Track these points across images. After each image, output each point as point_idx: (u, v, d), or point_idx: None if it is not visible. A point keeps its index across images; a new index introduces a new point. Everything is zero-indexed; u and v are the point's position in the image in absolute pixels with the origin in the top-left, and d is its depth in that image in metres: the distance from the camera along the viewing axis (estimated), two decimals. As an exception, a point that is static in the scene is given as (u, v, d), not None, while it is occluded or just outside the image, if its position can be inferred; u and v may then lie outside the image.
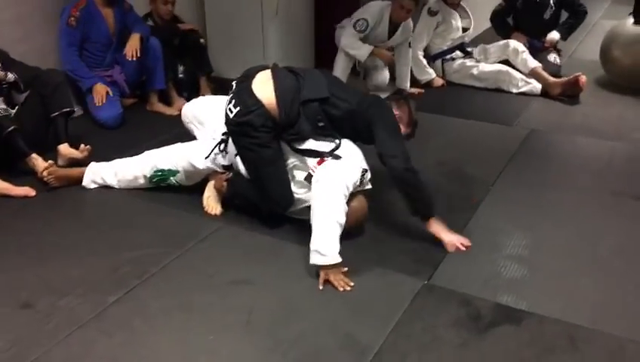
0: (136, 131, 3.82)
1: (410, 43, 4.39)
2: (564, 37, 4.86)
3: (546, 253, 2.56)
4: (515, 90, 4.54)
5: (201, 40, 4.38)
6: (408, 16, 4.14)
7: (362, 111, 2.61)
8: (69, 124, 3.37)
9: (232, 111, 2.57)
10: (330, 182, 2.41)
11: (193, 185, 2.94)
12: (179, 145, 2.99)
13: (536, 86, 4.48)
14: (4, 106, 3.04)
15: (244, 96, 2.56)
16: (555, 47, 4.82)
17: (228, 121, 2.61)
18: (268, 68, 2.68)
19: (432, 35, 4.70)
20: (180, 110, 4.05)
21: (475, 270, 2.44)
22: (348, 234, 2.48)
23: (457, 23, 4.70)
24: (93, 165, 3.04)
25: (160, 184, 2.96)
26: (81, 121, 3.88)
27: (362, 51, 4.20)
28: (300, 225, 2.62)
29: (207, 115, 3.08)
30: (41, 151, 3.12)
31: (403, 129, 2.68)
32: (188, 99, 4.17)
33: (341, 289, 2.30)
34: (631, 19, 4.55)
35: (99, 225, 2.76)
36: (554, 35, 4.80)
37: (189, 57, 4.32)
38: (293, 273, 2.41)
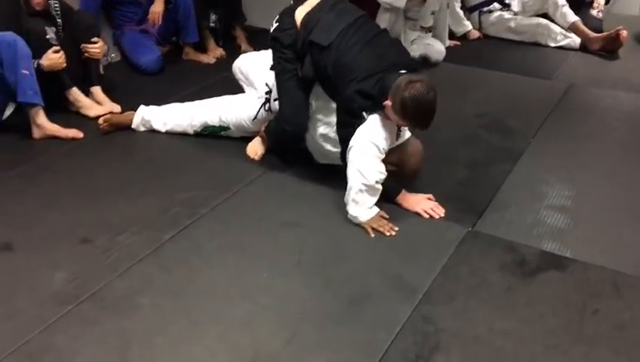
0: (174, 79, 3.85)
1: (448, 4, 4.28)
2: (608, 1, 4.76)
3: (588, 204, 2.58)
4: (553, 44, 4.48)
5: (234, -11, 4.36)
6: None
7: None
8: (102, 68, 3.42)
9: (272, 26, 2.65)
10: (360, 146, 2.36)
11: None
12: (229, 100, 3.02)
13: (575, 40, 4.42)
14: (53, 36, 3.07)
15: (285, 14, 2.62)
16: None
17: (269, 35, 2.68)
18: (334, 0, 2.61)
19: (470, -15, 4.63)
20: (217, 57, 4.14)
21: (519, 218, 2.48)
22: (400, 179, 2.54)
23: (496, -27, 4.62)
24: (142, 109, 3.08)
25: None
26: (120, 67, 3.91)
27: None
28: (338, 173, 2.63)
29: (254, 73, 3.06)
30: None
31: (393, 116, 2.33)
32: (223, 47, 4.23)
33: (387, 234, 2.36)
34: None
35: (148, 167, 2.82)
36: (600, 0, 4.70)
37: (221, 7, 4.30)
38: (339, 217, 2.46)
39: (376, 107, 2.37)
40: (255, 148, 2.88)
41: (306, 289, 2.09)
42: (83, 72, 3.30)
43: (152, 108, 3.09)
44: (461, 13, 4.63)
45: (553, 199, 2.61)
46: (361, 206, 2.38)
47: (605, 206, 2.58)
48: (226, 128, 2.96)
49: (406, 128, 2.56)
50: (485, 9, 4.69)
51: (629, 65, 4.20)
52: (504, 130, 3.22)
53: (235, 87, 3.27)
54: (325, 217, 2.47)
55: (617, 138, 3.18)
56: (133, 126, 3.07)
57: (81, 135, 3.02)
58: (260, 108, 2.85)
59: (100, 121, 3.04)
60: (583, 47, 4.40)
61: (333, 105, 2.53)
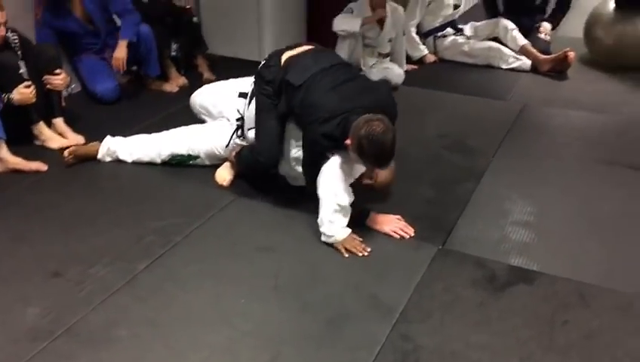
0: (136, 108, 3.83)
1: (404, 32, 4.42)
2: (554, 27, 4.99)
3: (550, 219, 2.69)
4: (505, 66, 4.65)
5: (194, 18, 4.39)
6: (383, 1, 4.09)
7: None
8: (63, 99, 3.39)
9: (262, 62, 2.78)
10: (331, 171, 2.43)
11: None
12: (198, 129, 3.04)
13: (525, 62, 4.60)
14: (25, 70, 3.04)
15: (275, 54, 2.75)
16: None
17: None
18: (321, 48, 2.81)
19: (425, 11, 4.77)
20: (180, 86, 4.15)
21: (486, 235, 2.56)
22: (366, 200, 2.59)
23: (448, 0, 4.79)
24: (108, 140, 3.06)
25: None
26: (81, 98, 3.88)
27: (353, 22, 4.16)
28: (312, 198, 2.69)
29: (221, 103, 3.08)
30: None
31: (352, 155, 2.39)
32: (186, 76, 4.24)
33: (360, 254, 2.40)
34: (612, 1, 4.68)
35: (116, 197, 2.80)
36: (547, 25, 4.92)
37: (182, 36, 4.31)
38: (313, 241, 2.49)
39: (339, 148, 2.43)
40: (223, 175, 2.89)
41: (284, 313, 2.10)
42: (45, 104, 3.25)
43: (118, 138, 3.07)
44: (417, 38, 4.78)
45: (517, 215, 2.70)
46: (336, 225, 2.42)
47: (566, 219, 2.69)
48: (195, 157, 2.96)
49: None
50: (439, 34, 4.85)
51: (577, 85, 4.40)
52: (465, 149, 3.33)
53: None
54: (298, 241, 2.50)
55: (571, 154, 3.32)
56: (98, 157, 3.04)
57: (44, 168, 2.97)
58: (233, 135, 2.88)
59: (65, 153, 3.00)
60: (534, 69, 4.59)
61: None
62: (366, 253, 2.41)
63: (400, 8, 4.28)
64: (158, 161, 3.00)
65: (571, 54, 4.47)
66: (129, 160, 3.03)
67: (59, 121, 3.28)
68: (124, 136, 3.12)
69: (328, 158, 2.45)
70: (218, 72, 4.32)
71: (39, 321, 2.00)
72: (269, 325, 2.04)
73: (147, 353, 1.89)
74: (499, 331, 2.03)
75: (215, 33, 4.67)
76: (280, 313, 2.10)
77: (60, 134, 3.25)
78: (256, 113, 2.71)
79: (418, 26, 4.82)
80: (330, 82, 2.51)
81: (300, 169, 2.65)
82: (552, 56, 4.57)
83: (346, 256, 2.39)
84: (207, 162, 2.97)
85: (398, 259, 2.39)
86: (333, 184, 2.41)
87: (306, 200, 2.71)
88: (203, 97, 3.22)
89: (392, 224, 2.56)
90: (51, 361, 1.85)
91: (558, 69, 4.53)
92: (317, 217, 2.47)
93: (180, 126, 3.14)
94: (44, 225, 2.55)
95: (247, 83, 3.06)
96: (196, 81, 4.21)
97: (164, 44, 4.13)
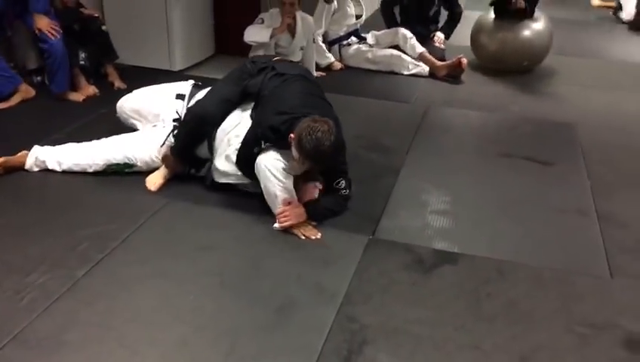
0: (45, 119, 3.71)
1: (314, 39, 4.62)
2: (447, 36, 5.39)
3: (464, 205, 2.95)
4: (405, 72, 4.96)
5: (104, 27, 4.31)
6: (292, 10, 4.26)
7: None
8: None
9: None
10: (267, 160, 2.57)
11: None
12: (133, 137, 3.03)
13: (424, 68, 4.94)
14: None
15: (269, 56, 3.15)
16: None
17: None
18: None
19: (329, 21, 4.99)
20: (89, 95, 4.06)
21: (410, 224, 2.77)
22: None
23: (351, 10, 5.04)
24: (36, 149, 2.97)
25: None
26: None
27: (262, 33, 4.30)
28: (241, 196, 2.83)
29: (157, 105, 3.10)
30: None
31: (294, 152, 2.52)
32: (95, 85, 4.16)
33: (313, 237, 2.58)
34: (492, 12, 5.15)
35: (45, 207, 2.73)
36: (440, 35, 5.30)
37: (91, 44, 4.23)
38: (251, 237, 2.58)
39: (278, 142, 2.57)
40: (154, 180, 2.90)
41: (234, 306, 2.17)
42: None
43: (47, 148, 2.99)
44: (324, 46, 4.99)
45: (435, 204, 2.94)
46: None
47: (478, 205, 2.96)
48: (131, 165, 2.94)
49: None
50: (344, 42, 5.08)
51: (470, 88, 4.79)
52: (381, 148, 3.55)
53: (114, 122, 3.29)
54: (237, 239, 2.58)
55: (474, 148, 3.64)
56: (26, 167, 2.94)
57: (-41, 181, 2.83)
58: (169, 135, 2.91)
59: None
60: (432, 74, 4.94)
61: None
62: (319, 236, 2.59)
63: (309, 17, 4.47)
64: (90, 170, 2.95)
65: (464, 60, 4.86)
66: (58, 169, 2.95)
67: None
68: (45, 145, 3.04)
69: (261, 148, 2.59)
70: (128, 81, 4.27)
71: (-18, 333, 1.94)
72: (221, 318, 2.10)
73: (103, 354, 1.90)
74: (432, 306, 2.22)
75: (122, 42, 4.59)
76: (230, 306, 2.17)
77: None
78: (220, 80, 2.89)
79: (324, 35, 5.03)
80: (304, 89, 2.77)
81: (230, 166, 2.73)
82: (448, 62, 4.94)
83: (302, 238, 2.56)
84: (144, 168, 2.96)
85: (334, 250, 2.54)
86: (272, 169, 2.55)
87: (237, 199, 2.80)
88: (134, 102, 3.21)
89: (301, 226, 2.62)
90: (2, 370, 1.81)
91: (453, 74, 4.91)
92: (252, 216, 2.57)
93: (96, 136, 3.11)
94: (-32, 238, 2.45)
95: (182, 86, 3.11)
96: (107, 90, 4.17)
97: (72, 53, 4.03)
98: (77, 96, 4.03)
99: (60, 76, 3.91)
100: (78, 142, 3.08)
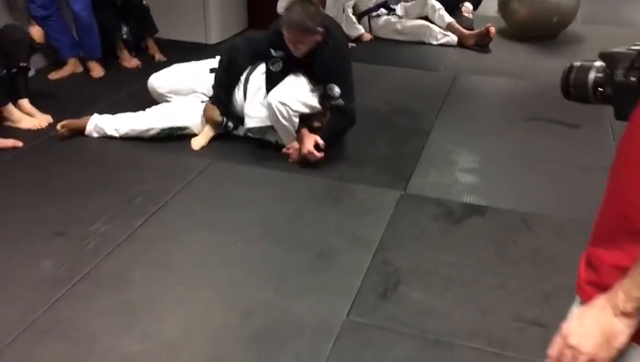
0: (96, 87, 3.95)
1: (344, 10, 4.78)
2: (476, 7, 5.47)
3: (491, 164, 3.10)
4: (434, 42, 5.07)
5: (144, 2, 4.50)
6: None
7: None
8: (28, 80, 3.46)
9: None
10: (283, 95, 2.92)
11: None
12: (180, 103, 3.24)
13: (453, 38, 5.04)
14: None
15: None
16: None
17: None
18: None
19: (359, -7, 5.13)
20: (133, 67, 4.28)
21: (440, 181, 2.93)
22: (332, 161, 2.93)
23: (380, -18, 5.17)
24: (95, 117, 3.19)
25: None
26: (38, 80, 3.94)
27: None
28: (278, 157, 3.03)
29: (180, 83, 3.31)
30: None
31: None
32: (137, 58, 4.37)
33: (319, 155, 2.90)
34: None
35: (103, 167, 2.97)
36: (468, 5, 5.39)
37: (132, 19, 4.43)
38: (289, 193, 2.78)
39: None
40: (198, 140, 3.12)
41: (278, 252, 2.37)
42: (9, 86, 3.32)
43: (105, 116, 3.20)
44: (354, 18, 5.12)
45: (463, 163, 3.09)
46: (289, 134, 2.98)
47: (505, 164, 3.11)
48: (184, 128, 3.16)
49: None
50: (374, 14, 5.21)
51: (498, 56, 4.88)
52: (411, 113, 3.70)
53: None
54: (277, 194, 2.78)
55: (501, 113, 3.77)
56: (86, 132, 3.16)
57: (20, 144, 3.07)
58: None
59: (58, 126, 3.12)
60: (460, 44, 5.04)
61: None
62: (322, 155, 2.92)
63: None
64: (146, 135, 3.15)
65: (492, 29, 4.94)
66: (116, 135, 3.16)
67: (25, 102, 3.37)
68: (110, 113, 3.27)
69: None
70: (167, 55, 4.47)
71: (55, 271, 2.17)
72: (267, 262, 2.30)
73: (163, 291, 2.12)
74: (461, 252, 2.39)
75: (160, 17, 4.78)
76: (274, 252, 2.37)
77: (27, 114, 3.34)
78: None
79: (354, 7, 5.16)
80: None
81: (260, 111, 3.02)
82: (476, 31, 5.03)
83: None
84: (194, 130, 3.17)
85: (368, 204, 2.71)
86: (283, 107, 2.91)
87: (277, 162, 3.00)
88: (167, 80, 3.37)
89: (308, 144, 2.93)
90: (75, 302, 2.04)
91: (481, 43, 5.00)
92: (289, 174, 2.80)
93: (139, 105, 3.32)
94: (34, 194, 2.69)
95: (211, 62, 3.31)
96: (147, 63, 4.37)
97: (115, 27, 4.25)
98: (97, 72, 4.12)
99: (91, 43, 4.06)
100: (124, 110, 3.30)
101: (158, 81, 3.39)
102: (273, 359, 1.85)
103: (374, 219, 2.60)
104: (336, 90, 2.93)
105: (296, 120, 2.96)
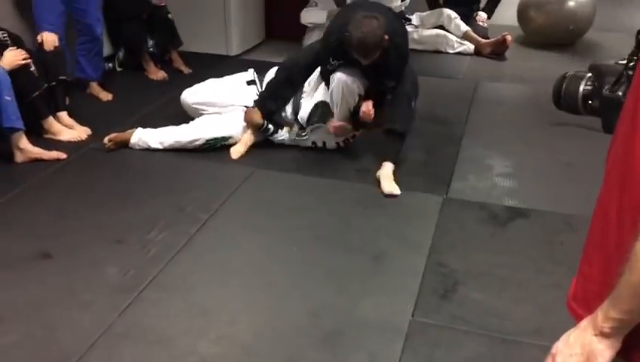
0: (125, 100, 3.98)
1: None
2: (490, 15, 5.57)
3: (527, 169, 3.17)
4: (451, 51, 5.16)
5: (169, 15, 4.57)
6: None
7: None
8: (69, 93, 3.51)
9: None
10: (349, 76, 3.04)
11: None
12: (224, 115, 3.28)
13: (469, 46, 5.14)
14: (34, 68, 3.15)
15: None
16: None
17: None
18: None
19: (376, 4, 5.20)
20: (159, 79, 4.33)
21: (479, 185, 3.00)
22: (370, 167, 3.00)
23: (397, -7, 5.26)
24: (139, 131, 3.22)
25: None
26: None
27: (319, 14, 4.56)
28: (318, 162, 3.12)
29: (214, 98, 3.36)
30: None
31: None
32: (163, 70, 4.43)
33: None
34: None
35: (145, 176, 3.02)
36: (482, 15, 5.49)
37: (158, 32, 4.49)
38: (335, 198, 2.84)
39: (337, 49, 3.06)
40: (238, 149, 3.17)
41: (332, 255, 2.42)
42: (49, 99, 3.36)
43: (149, 130, 3.24)
44: (372, 28, 5.20)
45: (499, 168, 3.16)
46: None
47: (539, 168, 3.18)
48: (227, 137, 3.21)
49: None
50: (391, 24, 5.29)
51: (516, 63, 4.97)
52: (440, 120, 3.77)
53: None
54: (322, 200, 2.84)
55: (527, 118, 3.84)
56: (130, 145, 3.20)
57: (64, 155, 3.10)
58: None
59: (105, 140, 3.16)
60: (477, 52, 5.13)
61: None
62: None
63: None
64: (190, 146, 3.18)
65: (509, 37, 5.04)
66: (160, 147, 3.20)
67: (63, 115, 3.41)
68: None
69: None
70: (192, 68, 4.52)
71: (122, 278, 2.21)
72: (324, 265, 2.35)
73: (230, 294, 2.16)
74: (511, 253, 2.45)
75: (182, 29, 4.85)
76: (329, 256, 2.42)
77: (67, 126, 3.38)
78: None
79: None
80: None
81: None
82: (492, 40, 5.12)
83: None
84: (236, 140, 3.22)
85: (413, 208, 2.78)
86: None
87: (320, 168, 3.06)
88: (202, 95, 3.39)
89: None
90: (146, 307, 2.08)
91: (498, 52, 5.09)
92: (333, 180, 2.91)
93: (169, 117, 3.41)
94: (85, 203, 2.73)
95: (243, 75, 3.39)
96: (173, 75, 4.42)
97: (142, 40, 4.31)
98: (105, 96, 4.00)
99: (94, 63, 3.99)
100: (157, 121, 3.36)
101: (192, 96, 3.42)
102: (348, 358, 1.90)
103: (422, 222, 2.65)
104: (392, 83, 3.08)
105: (355, 99, 3.07)
